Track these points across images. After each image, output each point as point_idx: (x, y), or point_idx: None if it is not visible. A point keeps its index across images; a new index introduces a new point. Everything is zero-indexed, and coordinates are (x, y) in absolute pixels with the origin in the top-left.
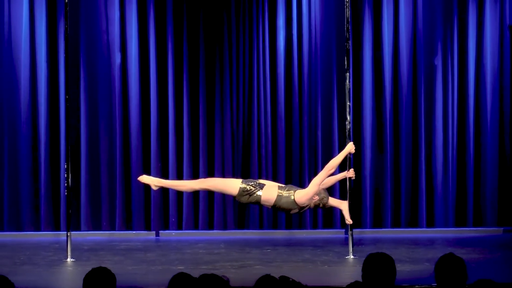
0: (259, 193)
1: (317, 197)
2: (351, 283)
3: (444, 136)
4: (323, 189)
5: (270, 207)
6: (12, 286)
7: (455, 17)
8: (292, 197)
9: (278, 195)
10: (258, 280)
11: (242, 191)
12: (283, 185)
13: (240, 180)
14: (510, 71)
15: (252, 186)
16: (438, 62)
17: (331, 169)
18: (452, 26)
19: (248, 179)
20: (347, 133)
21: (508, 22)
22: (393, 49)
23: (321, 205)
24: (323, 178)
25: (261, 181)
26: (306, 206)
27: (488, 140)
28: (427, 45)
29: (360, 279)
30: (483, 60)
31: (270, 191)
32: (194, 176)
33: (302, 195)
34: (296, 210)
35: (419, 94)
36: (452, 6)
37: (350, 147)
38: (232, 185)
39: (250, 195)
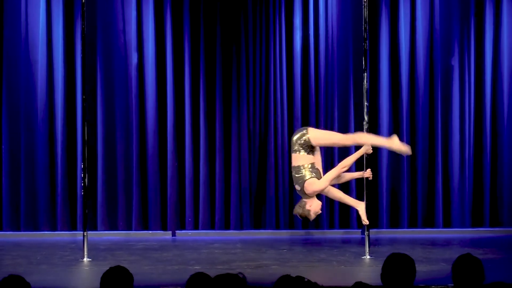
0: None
1: (310, 205)
2: (354, 283)
3: (461, 136)
4: (314, 202)
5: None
6: (28, 286)
7: (471, 17)
8: (305, 178)
9: (300, 166)
10: (278, 280)
11: None
12: (317, 168)
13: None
14: None
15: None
16: (455, 62)
17: (344, 168)
18: (469, 26)
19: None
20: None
21: None
22: (410, 49)
23: (303, 216)
24: (335, 176)
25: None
26: (305, 208)
27: (505, 141)
28: (444, 46)
29: (377, 279)
30: (500, 60)
31: (306, 159)
32: (210, 174)
33: (311, 183)
34: (300, 202)
35: (436, 94)
36: (469, 6)
37: (366, 148)
38: None
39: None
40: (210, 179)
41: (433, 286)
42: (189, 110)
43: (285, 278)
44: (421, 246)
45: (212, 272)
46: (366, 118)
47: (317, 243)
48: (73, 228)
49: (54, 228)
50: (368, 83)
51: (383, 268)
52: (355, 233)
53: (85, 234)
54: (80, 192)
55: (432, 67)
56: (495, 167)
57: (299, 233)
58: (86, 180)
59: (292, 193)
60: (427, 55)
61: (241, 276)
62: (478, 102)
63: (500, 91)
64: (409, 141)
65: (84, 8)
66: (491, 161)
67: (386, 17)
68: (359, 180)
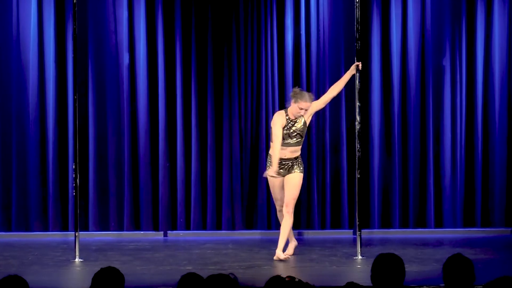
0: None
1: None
2: (346, 284)
3: (452, 137)
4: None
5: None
6: (26, 285)
7: (463, 18)
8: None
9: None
10: (268, 281)
11: None
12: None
13: None
14: None
15: None
16: (446, 62)
17: (333, 92)
18: (460, 26)
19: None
20: (356, 134)
21: None
22: (401, 49)
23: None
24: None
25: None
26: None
27: (497, 140)
28: (435, 46)
29: (368, 280)
30: (491, 61)
31: None
32: (202, 175)
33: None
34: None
35: (427, 94)
36: (461, 6)
37: (354, 67)
38: None
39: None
40: (201, 179)
41: (424, 286)
42: (181, 110)
43: (276, 279)
44: (413, 246)
45: (203, 273)
46: (358, 118)
47: (309, 244)
48: (64, 228)
49: (45, 229)
50: (359, 83)
51: (372, 269)
52: (347, 234)
53: (76, 234)
54: (71, 193)
55: (424, 67)
56: (486, 167)
57: None
58: (77, 180)
59: None
60: (419, 56)
61: (232, 277)
62: (469, 102)
63: (491, 91)
64: (401, 141)
65: (76, 9)
66: (482, 161)
67: (377, 17)
68: (350, 181)
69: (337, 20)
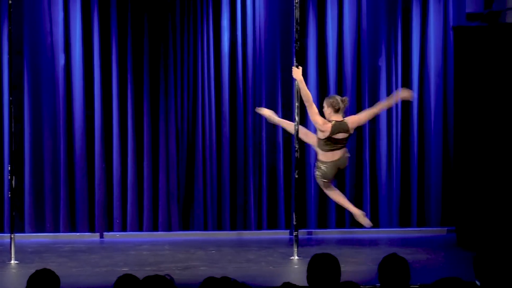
0: None
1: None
2: (282, 284)
3: (388, 137)
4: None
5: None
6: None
7: (399, 18)
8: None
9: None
10: (203, 282)
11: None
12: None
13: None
14: (453, 72)
15: None
16: (382, 63)
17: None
18: (396, 27)
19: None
20: (295, 133)
21: (451, 23)
22: (337, 50)
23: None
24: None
25: None
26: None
27: (432, 141)
28: (371, 46)
29: (304, 280)
30: (426, 61)
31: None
32: (138, 176)
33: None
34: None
35: (363, 95)
36: (396, 7)
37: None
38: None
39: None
40: (138, 180)
41: (361, 287)
42: (117, 111)
43: (211, 280)
44: (349, 246)
45: (140, 274)
46: (297, 118)
47: (246, 244)
48: (0, 230)
49: None
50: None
51: (308, 269)
52: (284, 234)
53: (12, 236)
54: (7, 194)
55: (360, 67)
56: (422, 168)
57: (228, 234)
58: (13, 182)
59: (220, 194)
60: (355, 56)
61: (168, 278)
62: (405, 102)
63: (427, 92)
64: None
65: (11, 10)
66: (418, 161)
67: (313, 18)
68: (286, 180)
69: (273, 21)
